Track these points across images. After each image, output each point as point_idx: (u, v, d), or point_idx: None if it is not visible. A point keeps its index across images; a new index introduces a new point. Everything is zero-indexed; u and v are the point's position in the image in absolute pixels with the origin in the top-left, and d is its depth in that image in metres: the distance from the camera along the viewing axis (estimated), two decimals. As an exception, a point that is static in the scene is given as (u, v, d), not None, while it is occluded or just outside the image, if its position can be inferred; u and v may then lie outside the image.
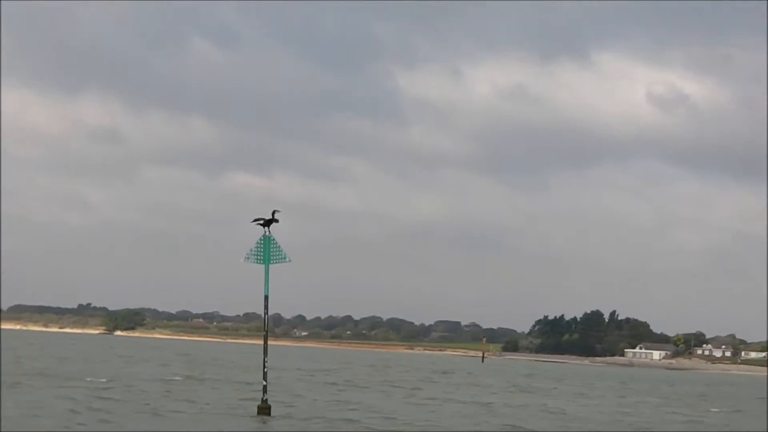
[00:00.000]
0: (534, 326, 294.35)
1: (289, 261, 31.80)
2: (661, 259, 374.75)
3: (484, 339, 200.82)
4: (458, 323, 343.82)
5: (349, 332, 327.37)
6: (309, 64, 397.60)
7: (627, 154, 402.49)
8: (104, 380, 44.26)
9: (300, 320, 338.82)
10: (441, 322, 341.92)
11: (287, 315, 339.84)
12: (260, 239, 31.60)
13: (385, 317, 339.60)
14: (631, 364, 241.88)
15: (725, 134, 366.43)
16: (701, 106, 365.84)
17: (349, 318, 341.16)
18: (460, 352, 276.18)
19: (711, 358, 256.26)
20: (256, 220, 31.55)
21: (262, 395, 31.21)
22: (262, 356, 31.55)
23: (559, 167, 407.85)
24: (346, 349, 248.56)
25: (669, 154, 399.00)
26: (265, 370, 31.13)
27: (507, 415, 38.51)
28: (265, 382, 31.05)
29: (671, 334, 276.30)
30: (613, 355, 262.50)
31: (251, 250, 31.58)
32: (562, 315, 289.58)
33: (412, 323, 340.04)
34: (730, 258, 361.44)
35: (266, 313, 32.29)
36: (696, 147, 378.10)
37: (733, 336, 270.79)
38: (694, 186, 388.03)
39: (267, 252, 31.54)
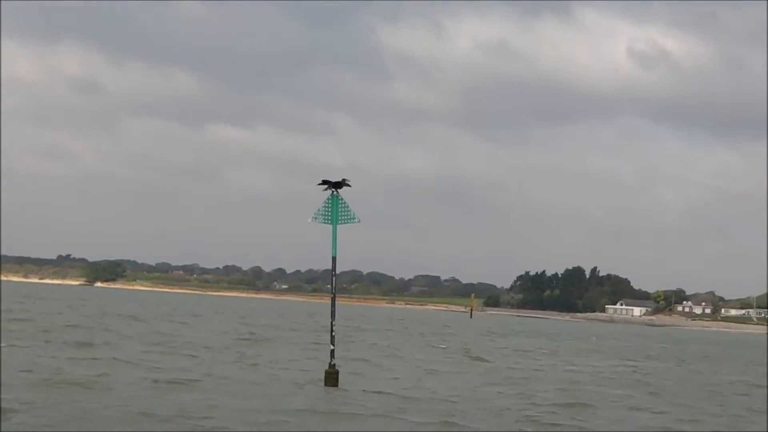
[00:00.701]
0: (515, 282, 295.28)
1: (358, 221, 30.72)
2: (642, 216, 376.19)
3: (473, 294, 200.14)
4: (438, 278, 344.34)
5: (328, 285, 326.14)
6: (292, 17, 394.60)
7: (609, 110, 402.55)
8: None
9: (280, 273, 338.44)
10: (421, 276, 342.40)
11: (267, 268, 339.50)
12: (328, 199, 30.43)
13: (365, 271, 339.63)
14: (611, 321, 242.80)
15: (707, 92, 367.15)
16: (683, 63, 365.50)
17: (329, 272, 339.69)
18: (441, 307, 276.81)
19: (691, 315, 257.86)
20: (324, 183, 30.37)
21: (330, 360, 30.09)
22: (330, 318, 30.48)
23: (542, 123, 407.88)
24: (327, 303, 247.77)
25: (651, 111, 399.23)
26: (333, 333, 30.03)
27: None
28: (332, 346, 29.96)
29: (652, 291, 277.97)
30: (593, 311, 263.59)
31: (318, 210, 30.43)
32: (544, 271, 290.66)
33: (392, 278, 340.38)
34: (710, 216, 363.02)
35: (334, 274, 31.25)
36: (677, 104, 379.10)
37: (712, 293, 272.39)
38: (676, 143, 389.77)
39: (335, 212, 30.42)
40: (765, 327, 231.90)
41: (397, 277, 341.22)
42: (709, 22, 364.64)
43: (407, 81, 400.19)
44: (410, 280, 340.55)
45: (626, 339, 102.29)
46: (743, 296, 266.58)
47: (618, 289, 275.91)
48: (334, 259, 30.96)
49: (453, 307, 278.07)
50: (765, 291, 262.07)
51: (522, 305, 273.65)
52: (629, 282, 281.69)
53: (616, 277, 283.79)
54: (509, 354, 52.23)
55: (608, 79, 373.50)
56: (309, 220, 30.55)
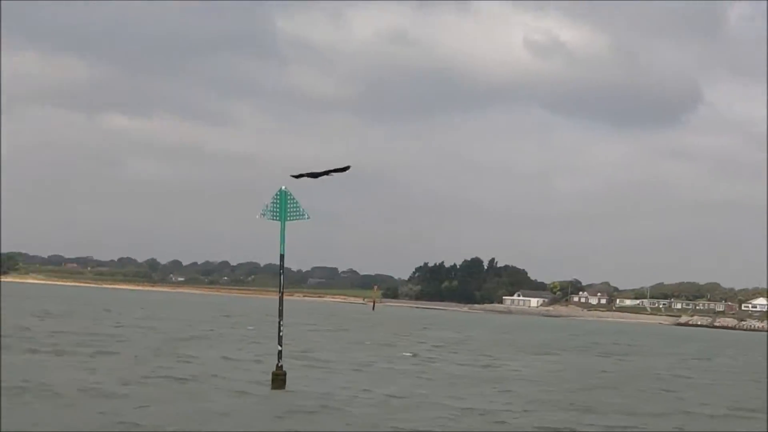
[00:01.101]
0: (414, 273, 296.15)
1: (308, 218, 29.71)
2: (540, 205, 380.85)
3: (376, 286, 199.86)
4: (335, 269, 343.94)
5: (226, 278, 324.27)
6: (189, 3, 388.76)
7: (507, 100, 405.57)
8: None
9: (176, 265, 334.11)
10: (318, 268, 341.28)
11: (163, 260, 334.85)
12: (276, 194, 29.38)
13: (262, 263, 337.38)
14: (509, 311, 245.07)
15: (601, 82, 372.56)
16: (578, 53, 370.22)
17: (226, 264, 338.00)
18: (339, 299, 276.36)
19: (587, 305, 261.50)
20: (299, 176, 29.33)
21: (277, 361, 29.05)
22: (278, 318, 29.44)
23: (441, 112, 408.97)
24: (225, 295, 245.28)
25: (548, 101, 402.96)
26: (281, 333, 28.98)
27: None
28: (280, 347, 28.90)
29: (548, 281, 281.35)
30: (491, 302, 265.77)
31: (266, 206, 29.35)
32: (442, 262, 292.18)
33: (290, 269, 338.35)
34: (605, 206, 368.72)
35: (282, 272, 30.12)
36: (574, 94, 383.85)
37: (607, 283, 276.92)
38: (572, 133, 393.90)
39: (284, 208, 29.37)
40: (658, 317, 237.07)
41: (294, 269, 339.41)
42: (602, 12, 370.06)
43: (307, 69, 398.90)
44: (308, 271, 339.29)
45: (549, 330, 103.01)
46: (637, 286, 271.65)
47: (515, 280, 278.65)
48: (282, 256, 29.87)
49: (352, 299, 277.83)
50: (658, 281, 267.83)
51: (421, 297, 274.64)
52: (526, 273, 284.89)
53: (514, 268, 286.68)
54: (444, 350, 51.68)
55: (506, 69, 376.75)
56: (257, 217, 29.45)
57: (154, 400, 23.32)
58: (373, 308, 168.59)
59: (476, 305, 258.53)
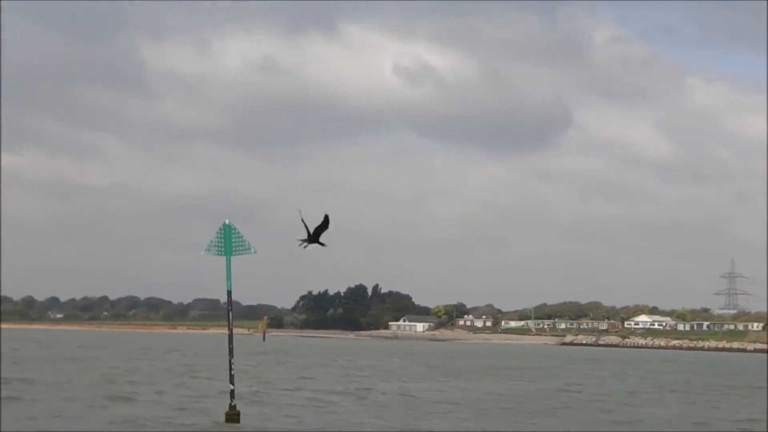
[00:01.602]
0: (299, 302, 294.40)
1: (255, 252, 28.85)
2: (418, 231, 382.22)
3: (265, 317, 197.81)
4: (218, 301, 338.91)
5: (106, 313, 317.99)
6: (51, 34, 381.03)
7: (379, 126, 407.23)
8: None
9: (54, 302, 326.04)
10: (199, 300, 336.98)
11: (40, 297, 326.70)
12: (220, 228, 28.50)
13: (142, 297, 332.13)
14: (395, 337, 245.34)
15: (471, 106, 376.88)
16: (447, 78, 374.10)
17: (105, 298, 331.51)
18: (223, 330, 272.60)
19: (473, 328, 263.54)
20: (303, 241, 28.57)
21: (230, 401, 28.08)
22: (228, 356, 28.46)
23: (313, 139, 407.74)
24: (108, 330, 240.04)
25: (419, 127, 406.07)
26: (232, 372, 28.06)
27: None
28: (232, 386, 27.98)
29: (433, 306, 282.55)
30: (377, 328, 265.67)
31: (212, 241, 28.44)
32: (326, 290, 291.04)
33: (171, 302, 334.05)
34: (483, 229, 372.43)
35: (230, 309, 29.35)
36: (445, 119, 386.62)
37: (491, 306, 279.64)
38: (445, 157, 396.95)
39: (228, 243, 28.48)
40: (543, 337, 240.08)
41: (175, 302, 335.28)
42: (470, 37, 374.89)
43: (176, 99, 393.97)
44: (189, 304, 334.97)
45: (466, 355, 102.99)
46: (521, 308, 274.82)
47: (400, 306, 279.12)
48: (229, 293, 29.11)
49: (236, 330, 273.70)
50: (541, 302, 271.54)
51: (306, 325, 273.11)
52: (411, 298, 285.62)
53: (398, 293, 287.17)
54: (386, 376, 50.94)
55: (377, 95, 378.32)
56: (202, 253, 28.52)
57: None
58: (264, 339, 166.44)
59: (362, 332, 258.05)
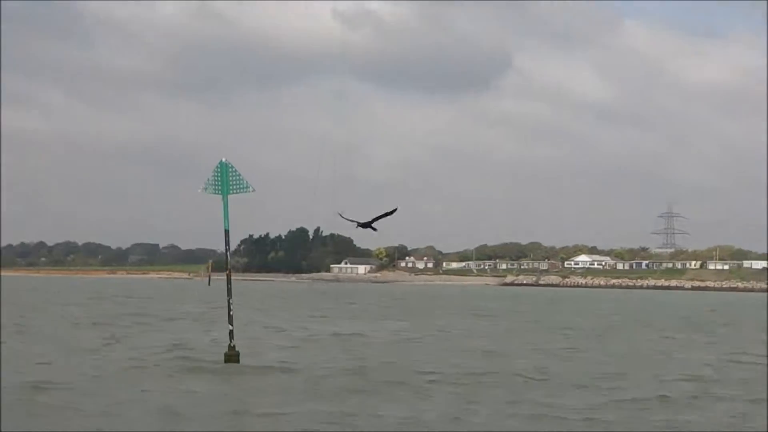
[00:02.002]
0: (239, 245, 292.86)
1: (253, 190, 28.42)
2: (359, 174, 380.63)
3: (210, 261, 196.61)
4: (156, 245, 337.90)
5: (44, 259, 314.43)
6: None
7: (317, 70, 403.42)
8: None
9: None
10: (138, 245, 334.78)
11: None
12: (217, 167, 28.04)
13: (80, 242, 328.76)
14: (337, 279, 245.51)
15: (412, 50, 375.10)
16: (387, 21, 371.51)
17: (42, 244, 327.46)
18: (164, 275, 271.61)
19: (414, 270, 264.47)
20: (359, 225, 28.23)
21: (229, 341, 27.80)
22: (226, 297, 28.11)
23: (252, 85, 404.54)
24: (48, 276, 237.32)
25: (359, 71, 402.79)
26: (231, 312, 27.71)
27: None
28: (231, 327, 27.66)
29: (374, 248, 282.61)
30: (318, 271, 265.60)
31: (208, 179, 27.99)
32: (267, 233, 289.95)
33: (109, 247, 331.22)
34: (424, 171, 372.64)
35: (228, 249, 28.83)
36: (385, 63, 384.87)
37: (432, 248, 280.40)
38: (386, 101, 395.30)
39: (225, 181, 28.02)
40: (485, 278, 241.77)
41: (114, 247, 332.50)
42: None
43: (112, 46, 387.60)
44: (128, 249, 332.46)
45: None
46: (461, 249, 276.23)
47: (341, 249, 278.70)
48: (227, 232, 28.62)
49: (176, 275, 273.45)
50: (481, 243, 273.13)
51: (247, 269, 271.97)
52: (352, 241, 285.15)
53: (339, 236, 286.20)
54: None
55: (316, 40, 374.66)
56: (199, 191, 28.06)
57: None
58: (209, 283, 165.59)
59: (303, 275, 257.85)
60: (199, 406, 19.76)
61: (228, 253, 28.80)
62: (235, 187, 28.16)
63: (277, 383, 23.94)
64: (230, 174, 28.07)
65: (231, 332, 27.73)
